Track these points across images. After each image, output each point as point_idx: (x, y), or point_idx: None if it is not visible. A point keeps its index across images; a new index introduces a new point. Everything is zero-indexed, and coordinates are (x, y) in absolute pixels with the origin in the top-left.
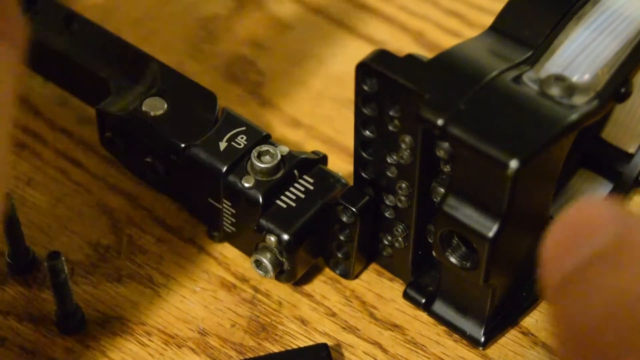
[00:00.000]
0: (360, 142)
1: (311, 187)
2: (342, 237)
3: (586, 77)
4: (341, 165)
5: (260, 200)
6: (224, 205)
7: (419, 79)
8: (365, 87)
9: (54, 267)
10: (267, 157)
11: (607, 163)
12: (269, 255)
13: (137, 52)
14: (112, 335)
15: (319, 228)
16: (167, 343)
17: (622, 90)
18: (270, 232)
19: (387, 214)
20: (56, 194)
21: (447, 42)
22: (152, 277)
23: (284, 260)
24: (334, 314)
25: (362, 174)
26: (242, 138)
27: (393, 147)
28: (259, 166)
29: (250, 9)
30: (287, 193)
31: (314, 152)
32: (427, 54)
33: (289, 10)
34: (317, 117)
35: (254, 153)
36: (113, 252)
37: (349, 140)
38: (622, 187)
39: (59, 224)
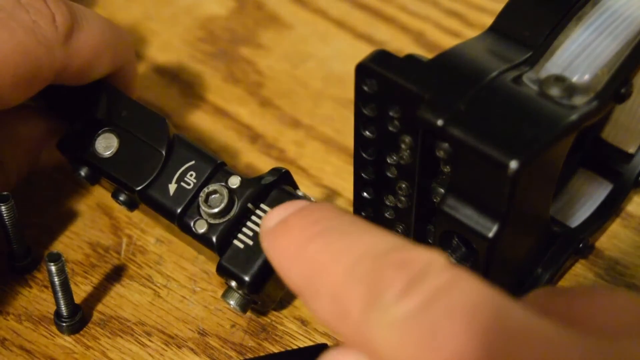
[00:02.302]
0: (360, 143)
1: None
2: None
3: (586, 77)
4: (341, 165)
5: (215, 244)
6: (192, 240)
7: (418, 80)
8: (365, 88)
9: (54, 268)
10: (216, 197)
11: (607, 163)
12: (236, 296)
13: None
14: (112, 335)
15: None
16: (167, 343)
17: (622, 90)
18: (230, 276)
19: (387, 215)
20: (56, 194)
21: (447, 42)
22: (152, 277)
23: (252, 298)
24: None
25: (362, 174)
26: (191, 176)
27: (393, 147)
28: (208, 211)
29: (250, 9)
30: (245, 230)
31: (274, 170)
32: (427, 54)
33: (289, 10)
34: (317, 117)
35: (202, 196)
36: (113, 252)
37: (349, 140)
38: (622, 187)
39: (59, 224)
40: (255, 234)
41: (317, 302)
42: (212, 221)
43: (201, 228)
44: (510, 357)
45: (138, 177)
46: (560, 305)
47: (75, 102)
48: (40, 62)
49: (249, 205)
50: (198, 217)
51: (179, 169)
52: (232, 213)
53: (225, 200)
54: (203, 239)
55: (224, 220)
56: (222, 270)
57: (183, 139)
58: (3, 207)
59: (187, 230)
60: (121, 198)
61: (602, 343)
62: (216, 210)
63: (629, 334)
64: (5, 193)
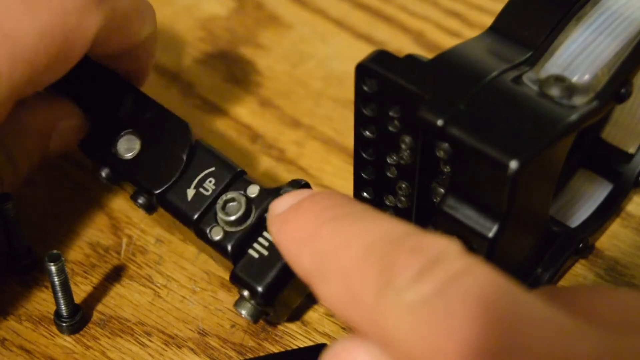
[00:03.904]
0: (360, 143)
1: None
2: None
3: (586, 77)
4: (341, 165)
5: (230, 253)
6: (206, 246)
7: (418, 80)
8: (365, 88)
9: (54, 268)
10: (234, 205)
11: (607, 163)
12: (248, 306)
13: (113, 78)
14: (112, 335)
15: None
16: (167, 343)
17: (622, 90)
18: (244, 286)
19: None
20: (56, 194)
21: (447, 42)
22: (152, 277)
23: (264, 309)
24: (334, 314)
25: (362, 174)
26: (210, 182)
27: (393, 148)
28: (225, 219)
29: (250, 9)
30: (260, 239)
31: (294, 182)
32: (427, 54)
33: (289, 10)
34: (317, 117)
35: (219, 203)
36: (113, 252)
37: (349, 140)
38: (622, 187)
39: (59, 224)
40: (271, 244)
41: (327, 287)
42: (228, 229)
43: (217, 235)
44: (523, 343)
45: (158, 181)
46: (565, 302)
47: (99, 101)
48: (72, 35)
49: (266, 215)
50: (214, 224)
51: (199, 174)
52: (248, 222)
53: (243, 209)
54: (218, 247)
55: (240, 228)
56: (235, 280)
57: (204, 145)
58: (4, 207)
59: (203, 236)
60: (140, 201)
61: (612, 336)
62: (233, 218)
63: (636, 330)
64: (6, 193)
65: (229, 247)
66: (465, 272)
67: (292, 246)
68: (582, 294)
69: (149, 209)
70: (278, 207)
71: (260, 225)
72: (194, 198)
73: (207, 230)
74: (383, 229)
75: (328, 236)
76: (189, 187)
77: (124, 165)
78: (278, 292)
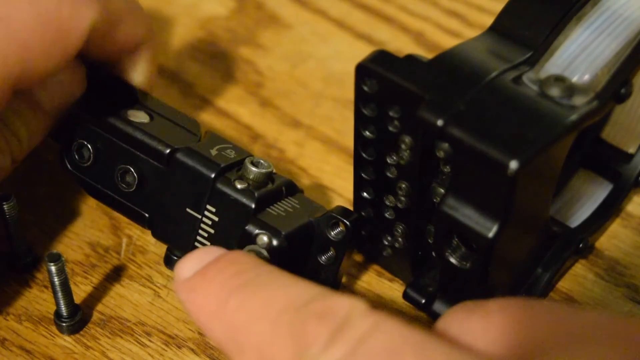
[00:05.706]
0: (360, 143)
1: (298, 206)
2: (324, 258)
3: (586, 77)
4: (341, 165)
5: (254, 204)
6: (206, 213)
7: (418, 80)
8: (365, 88)
9: (54, 268)
10: (263, 163)
11: (607, 163)
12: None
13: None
14: (112, 336)
15: (304, 248)
16: (167, 343)
17: (622, 90)
18: (264, 229)
19: (387, 215)
20: (56, 194)
21: (447, 42)
22: (152, 277)
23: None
24: None
25: (362, 174)
26: (230, 152)
27: (393, 148)
28: (254, 170)
29: (250, 9)
30: (276, 206)
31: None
32: (427, 54)
33: (289, 10)
34: (317, 117)
35: (247, 162)
36: (113, 252)
37: (349, 140)
38: (622, 187)
39: (59, 224)
40: (287, 212)
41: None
42: (252, 183)
43: (241, 185)
44: None
45: (173, 141)
46: (476, 324)
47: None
48: (67, 24)
49: (283, 188)
50: (239, 178)
51: (218, 144)
52: (269, 186)
53: (270, 169)
54: (241, 196)
55: (263, 188)
56: (255, 226)
57: (217, 134)
58: (5, 206)
59: (223, 190)
60: (127, 177)
61: None
62: (264, 171)
63: (545, 350)
64: (7, 193)
65: (254, 197)
66: (373, 329)
67: (202, 317)
68: (493, 312)
69: (140, 184)
70: (183, 271)
71: (278, 196)
72: (217, 156)
73: (231, 182)
74: (289, 295)
75: (236, 309)
76: (211, 148)
77: (132, 126)
78: (290, 249)
